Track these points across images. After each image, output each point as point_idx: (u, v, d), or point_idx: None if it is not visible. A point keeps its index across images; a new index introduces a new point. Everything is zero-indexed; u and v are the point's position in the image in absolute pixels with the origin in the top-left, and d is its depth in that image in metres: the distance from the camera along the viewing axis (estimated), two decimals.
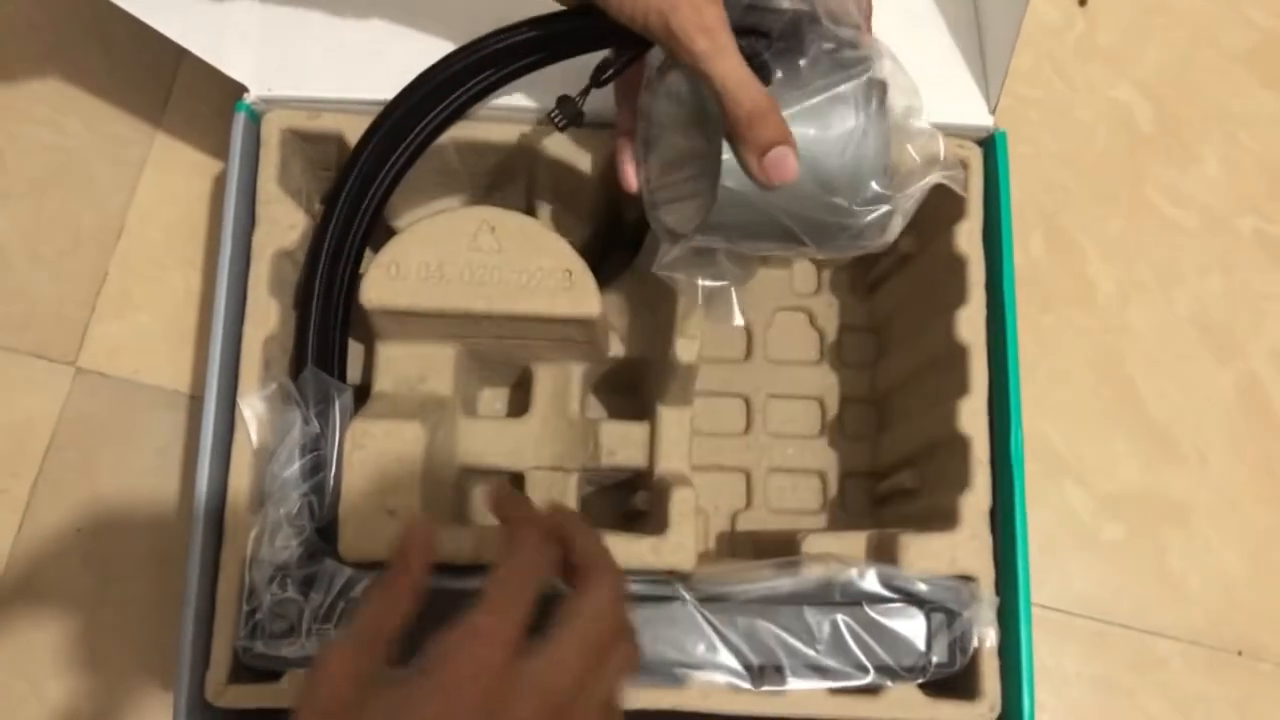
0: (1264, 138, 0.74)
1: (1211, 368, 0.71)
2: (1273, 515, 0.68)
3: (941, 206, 0.58)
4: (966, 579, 0.53)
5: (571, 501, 0.61)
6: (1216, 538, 0.68)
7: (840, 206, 0.44)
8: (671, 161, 0.48)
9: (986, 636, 0.51)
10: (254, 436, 0.54)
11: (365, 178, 0.55)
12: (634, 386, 0.64)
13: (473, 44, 0.51)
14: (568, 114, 0.48)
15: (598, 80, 0.47)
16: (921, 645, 0.51)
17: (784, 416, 0.68)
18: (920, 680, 0.51)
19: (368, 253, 0.57)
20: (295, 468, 0.53)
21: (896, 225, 0.46)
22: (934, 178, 0.46)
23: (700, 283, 0.50)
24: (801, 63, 0.44)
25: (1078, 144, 0.74)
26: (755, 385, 0.68)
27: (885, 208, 0.44)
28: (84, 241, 0.69)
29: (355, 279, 0.56)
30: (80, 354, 0.67)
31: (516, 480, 0.62)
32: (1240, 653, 0.66)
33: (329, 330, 0.56)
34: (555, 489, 0.61)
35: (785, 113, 0.42)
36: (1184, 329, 0.71)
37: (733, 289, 0.50)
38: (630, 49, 0.47)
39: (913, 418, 0.62)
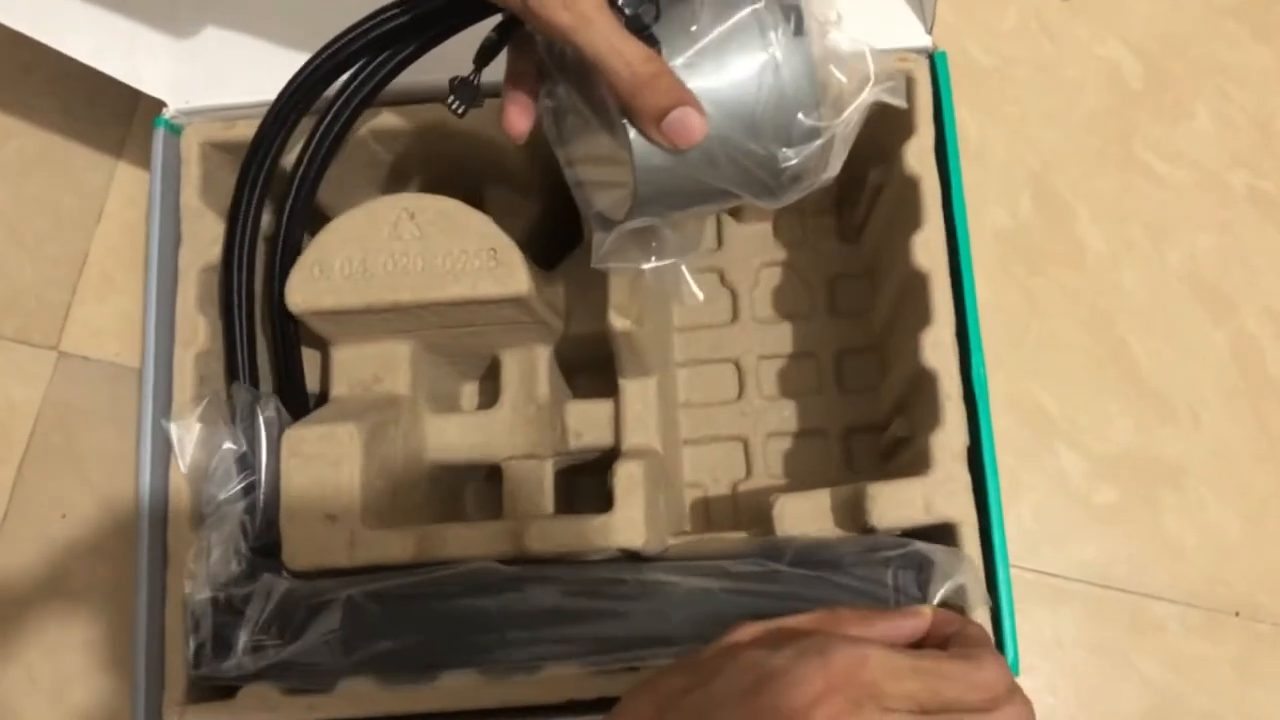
0: (1256, 91, 0.73)
1: (1205, 326, 0.69)
2: (1268, 475, 0.67)
3: (898, 129, 0.55)
4: (947, 527, 0.50)
5: (549, 489, 0.59)
6: (1212, 498, 0.67)
7: (769, 150, 0.40)
8: (585, 142, 0.45)
9: (976, 606, 0.49)
10: (185, 459, 0.53)
11: (264, 179, 0.53)
12: (606, 365, 0.63)
13: (358, 24, 0.50)
14: (464, 98, 0.45)
15: (482, 61, 0.44)
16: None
17: (778, 377, 0.66)
18: None
19: None
20: (230, 486, 0.52)
21: (838, 156, 0.41)
22: (868, 95, 0.41)
23: (646, 265, 0.46)
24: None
25: (1065, 102, 0.73)
26: (745, 348, 0.66)
27: (819, 142, 0.40)
28: (64, 224, 0.69)
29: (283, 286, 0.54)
30: (62, 338, 0.67)
31: (493, 472, 0.60)
32: (1237, 613, 0.65)
33: (254, 341, 0.55)
34: (531, 478, 0.59)
35: (680, 60, 0.38)
36: (1176, 288, 0.70)
37: (681, 264, 0.45)
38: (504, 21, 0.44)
39: (897, 360, 0.59)
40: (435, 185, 0.62)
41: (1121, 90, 0.73)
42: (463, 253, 0.52)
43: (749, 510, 0.63)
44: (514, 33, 0.44)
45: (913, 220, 0.54)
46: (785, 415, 0.65)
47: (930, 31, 0.56)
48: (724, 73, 0.39)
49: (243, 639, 0.48)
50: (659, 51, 0.38)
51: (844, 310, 0.67)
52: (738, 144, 0.39)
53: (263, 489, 0.52)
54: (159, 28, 0.58)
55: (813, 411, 0.65)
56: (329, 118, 0.53)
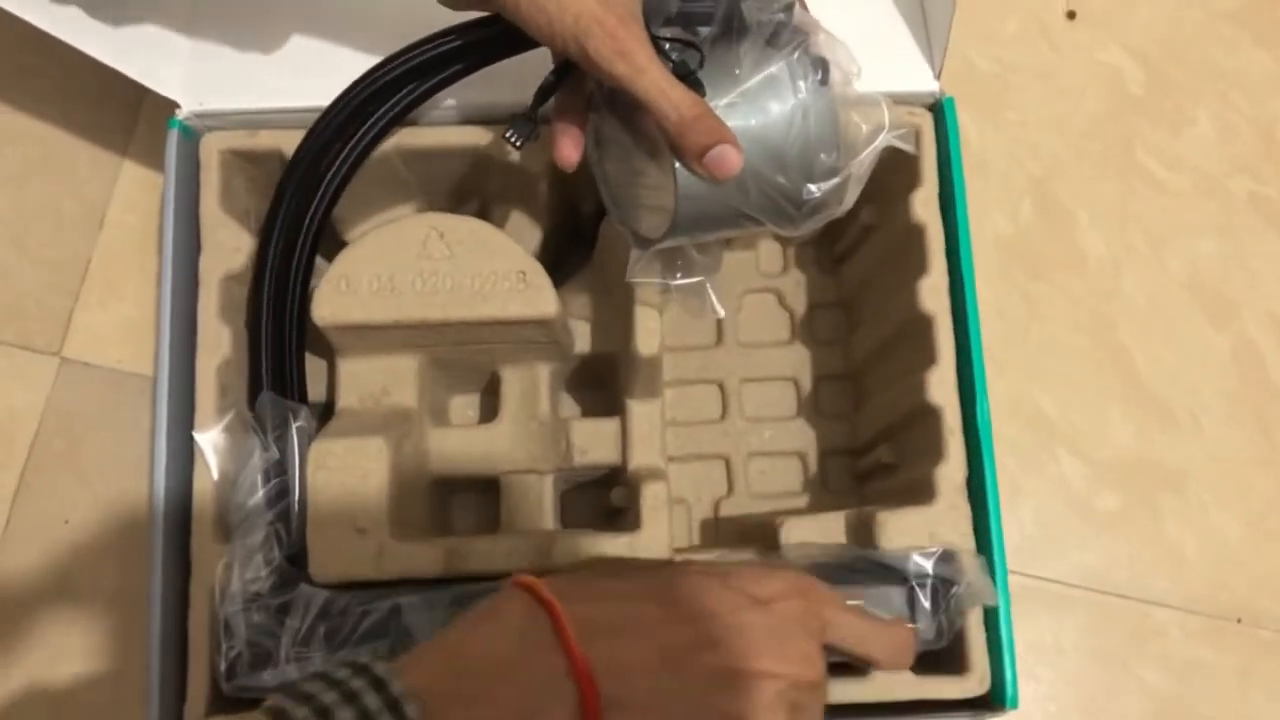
0: (1257, 97, 0.73)
1: (1206, 332, 0.70)
2: (1270, 479, 0.67)
3: (898, 176, 0.57)
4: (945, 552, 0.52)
5: (549, 504, 0.60)
6: (1213, 504, 0.67)
7: (795, 184, 0.45)
8: (629, 169, 0.49)
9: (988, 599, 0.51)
10: (213, 468, 0.53)
11: (302, 194, 0.54)
12: (605, 382, 0.63)
13: (403, 51, 0.51)
14: (522, 132, 0.48)
15: (541, 100, 0.48)
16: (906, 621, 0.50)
17: (759, 400, 0.67)
18: None
19: (323, 267, 0.56)
20: (259, 496, 0.52)
21: (853, 192, 0.47)
22: (883, 140, 0.46)
23: (674, 282, 0.50)
24: (736, 48, 0.45)
25: (1067, 109, 0.73)
26: (728, 370, 0.67)
27: (837, 180, 0.45)
28: (66, 230, 0.69)
29: (306, 296, 0.55)
30: (64, 344, 0.67)
31: (491, 486, 0.60)
32: (1240, 620, 0.65)
33: (281, 352, 0.55)
34: (531, 492, 0.59)
35: (723, 102, 0.44)
36: (1177, 293, 0.70)
37: (707, 282, 0.50)
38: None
39: (885, 391, 0.62)
40: (444, 201, 0.63)
41: (1122, 96, 0.73)
42: (492, 274, 0.53)
43: (730, 527, 0.65)
44: (570, 76, 0.47)
45: (918, 266, 0.56)
46: (766, 436, 0.67)
47: (939, 77, 0.58)
48: (759, 115, 0.44)
49: (284, 648, 0.48)
50: (703, 93, 0.43)
51: (821, 338, 0.68)
52: (767, 177, 0.44)
53: (297, 496, 0.52)
54: (175, 29, 0.58)
55: (791, 434, 0.67)
56: (360, 133, 0.53)
